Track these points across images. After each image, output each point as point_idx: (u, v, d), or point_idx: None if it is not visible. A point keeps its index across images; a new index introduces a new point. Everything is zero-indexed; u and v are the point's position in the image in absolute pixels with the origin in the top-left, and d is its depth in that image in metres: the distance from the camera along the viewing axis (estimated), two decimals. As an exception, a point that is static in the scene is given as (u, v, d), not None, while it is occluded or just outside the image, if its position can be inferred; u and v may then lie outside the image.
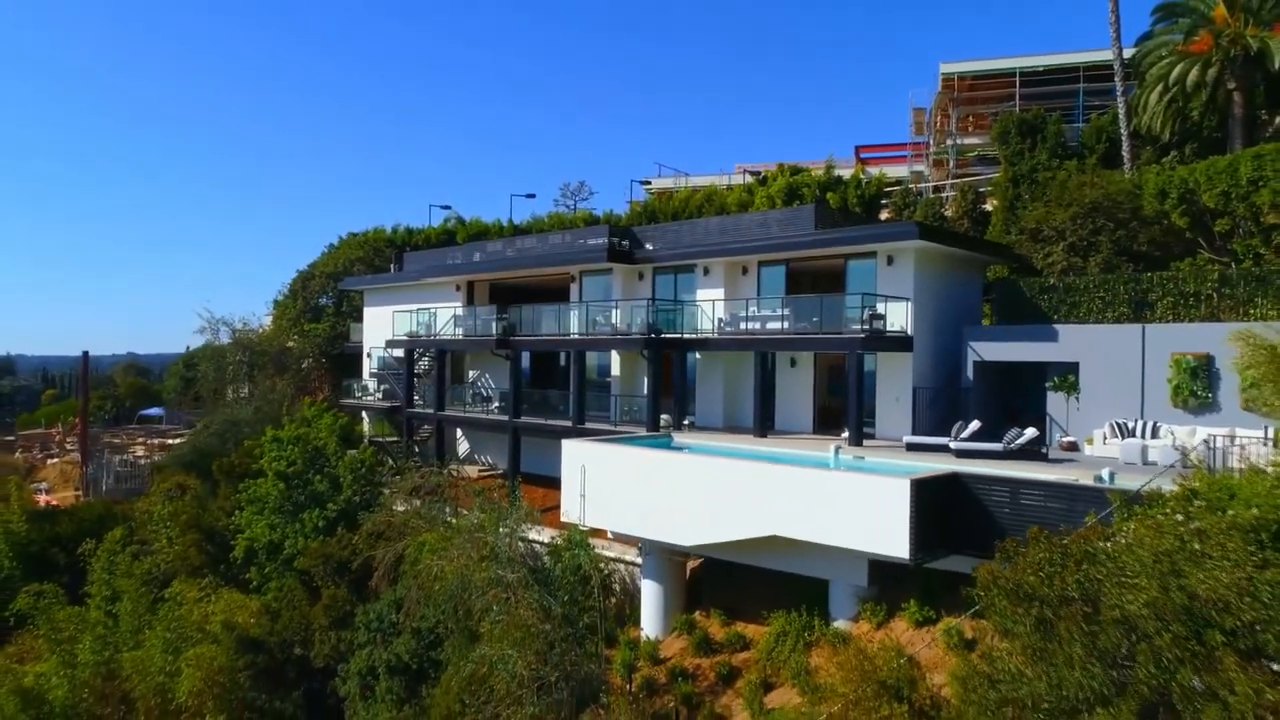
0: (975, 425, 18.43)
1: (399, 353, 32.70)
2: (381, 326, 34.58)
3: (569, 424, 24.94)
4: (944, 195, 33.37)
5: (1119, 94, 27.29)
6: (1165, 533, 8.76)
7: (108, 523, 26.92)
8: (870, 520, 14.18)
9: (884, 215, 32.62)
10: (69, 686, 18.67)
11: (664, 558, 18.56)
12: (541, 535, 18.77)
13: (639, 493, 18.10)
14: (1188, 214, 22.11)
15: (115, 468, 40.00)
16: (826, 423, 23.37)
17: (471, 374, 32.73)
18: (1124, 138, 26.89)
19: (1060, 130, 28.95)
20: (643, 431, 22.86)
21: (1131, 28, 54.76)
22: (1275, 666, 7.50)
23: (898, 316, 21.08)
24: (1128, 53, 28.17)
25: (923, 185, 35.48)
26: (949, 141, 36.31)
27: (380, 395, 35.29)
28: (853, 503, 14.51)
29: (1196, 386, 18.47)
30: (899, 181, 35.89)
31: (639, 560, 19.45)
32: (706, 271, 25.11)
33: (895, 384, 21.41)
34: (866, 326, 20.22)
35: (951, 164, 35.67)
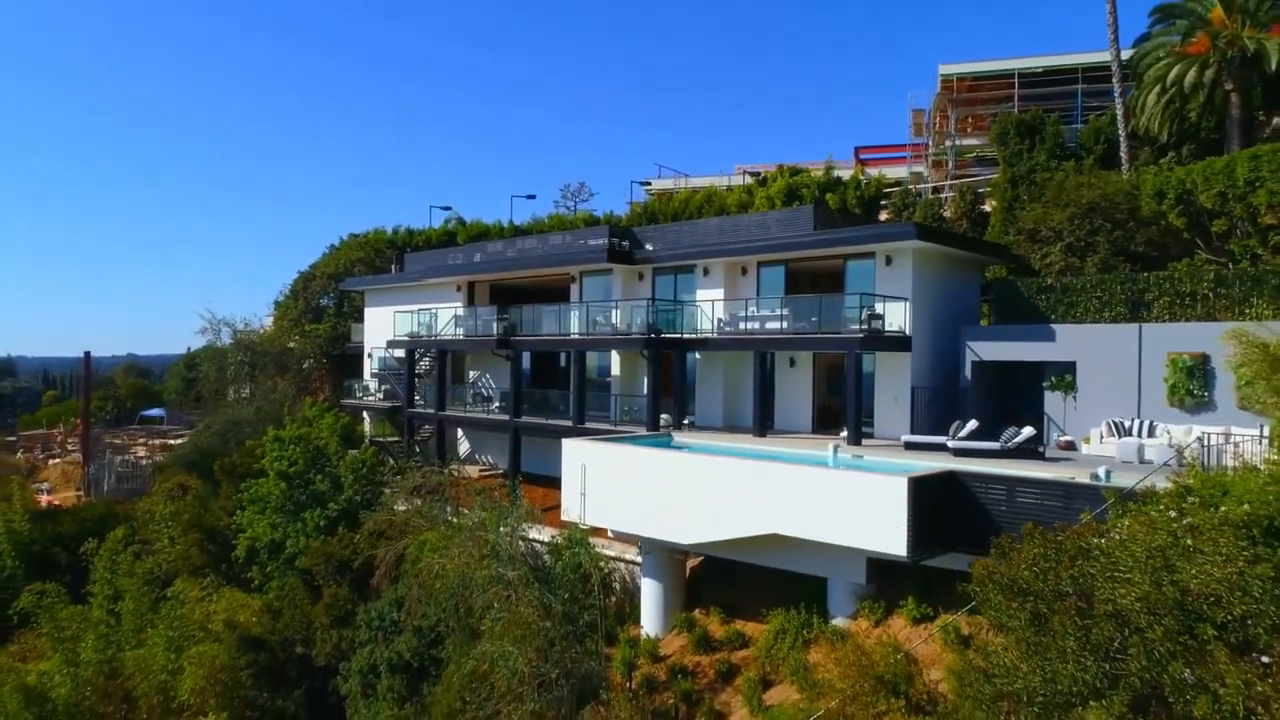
0: (973, 424, 18.53)
1: (400, 353, 32.80)
2: (382, 327, 34.66)
3: (569, 424, 25.03)
4: (943, 196, 33.43)
5: (1117, 95, 27.38)
6: (1158, 528, 8.85)
7: (109, 522, 26.99)
8: (868, 518, 14.27)
9: (883, 216, 32.69)
10: (72, 685, 18.74)
11: (664, 556, 18.66)
12: (542, 534, 18.85)
13: (639, 492, 18.18)
14: (1185, 214, 22.21)
15: (117, 468, 40.13)
16: (825, 422, 23.47)
17: (472, 374, 32.82)
18: (1122, 139, 26.97)
19: (1059, 131, 29.04)
20: (643, 431, 22.94)
21: (1130, 29, 54.88)
22: (1265, 659, 7.58)
23: (896, 316, 21.17)
24: (1126, 54, 28.25)
25: (922, 186, 35.53)
26: (948, 142, 36.37)
27: (381, 395, 35.37)
28: (851, 501, 14.60)
29: (1192, 385, 18.55)
30: (898, 182, 35.93)
31: (639, 559, 19.54)
32: (706, 272, 25.21)
33: (894, 384, 21.50)
34: (865, 326, 20.30)
35: (950, 165, 35.73)
